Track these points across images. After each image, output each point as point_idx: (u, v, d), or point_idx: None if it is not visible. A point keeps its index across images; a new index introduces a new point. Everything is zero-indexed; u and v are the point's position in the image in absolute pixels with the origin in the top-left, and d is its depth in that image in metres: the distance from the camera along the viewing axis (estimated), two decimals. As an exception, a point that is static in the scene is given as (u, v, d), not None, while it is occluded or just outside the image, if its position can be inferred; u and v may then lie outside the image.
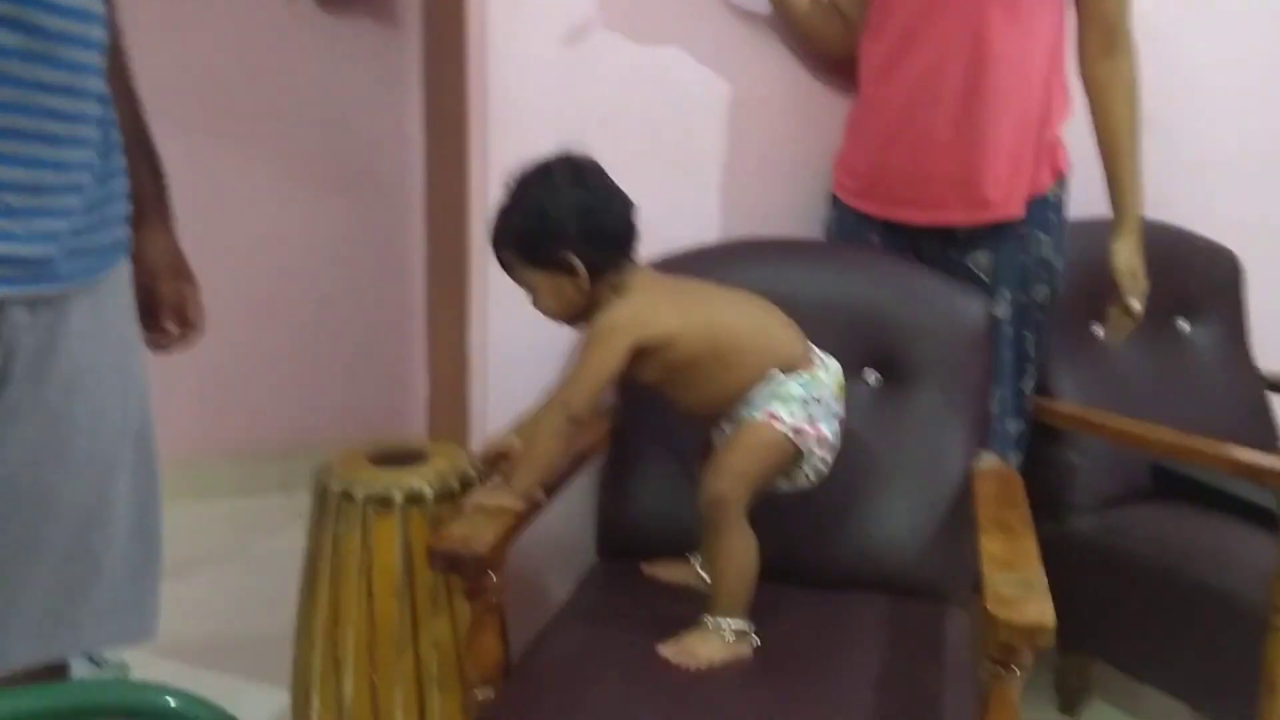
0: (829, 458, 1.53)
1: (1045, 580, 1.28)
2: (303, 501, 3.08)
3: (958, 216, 1.83)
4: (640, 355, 1.48)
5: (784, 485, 1.54)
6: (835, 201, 1.96)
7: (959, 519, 1.66)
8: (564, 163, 1.49)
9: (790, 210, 2.01)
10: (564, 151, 1.52)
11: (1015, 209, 1.82)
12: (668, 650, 1.45)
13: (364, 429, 3.04)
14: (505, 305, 1.87)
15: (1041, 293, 1.88)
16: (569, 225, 1.45)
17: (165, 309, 1.41)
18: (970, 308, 1.75)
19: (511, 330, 1.88)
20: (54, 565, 1.23)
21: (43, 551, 1.21)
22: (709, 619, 1.46)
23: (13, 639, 1.24)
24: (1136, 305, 1.84)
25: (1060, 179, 1.87)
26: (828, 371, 1.54)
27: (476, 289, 1.87)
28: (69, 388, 1.17)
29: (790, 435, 1.48)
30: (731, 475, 1.48)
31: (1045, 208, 1.85)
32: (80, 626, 1.27)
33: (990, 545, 1.39)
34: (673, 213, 1.93)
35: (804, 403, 1.49)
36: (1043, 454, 2.02)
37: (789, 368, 1.51)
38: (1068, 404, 2.04)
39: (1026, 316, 1.88)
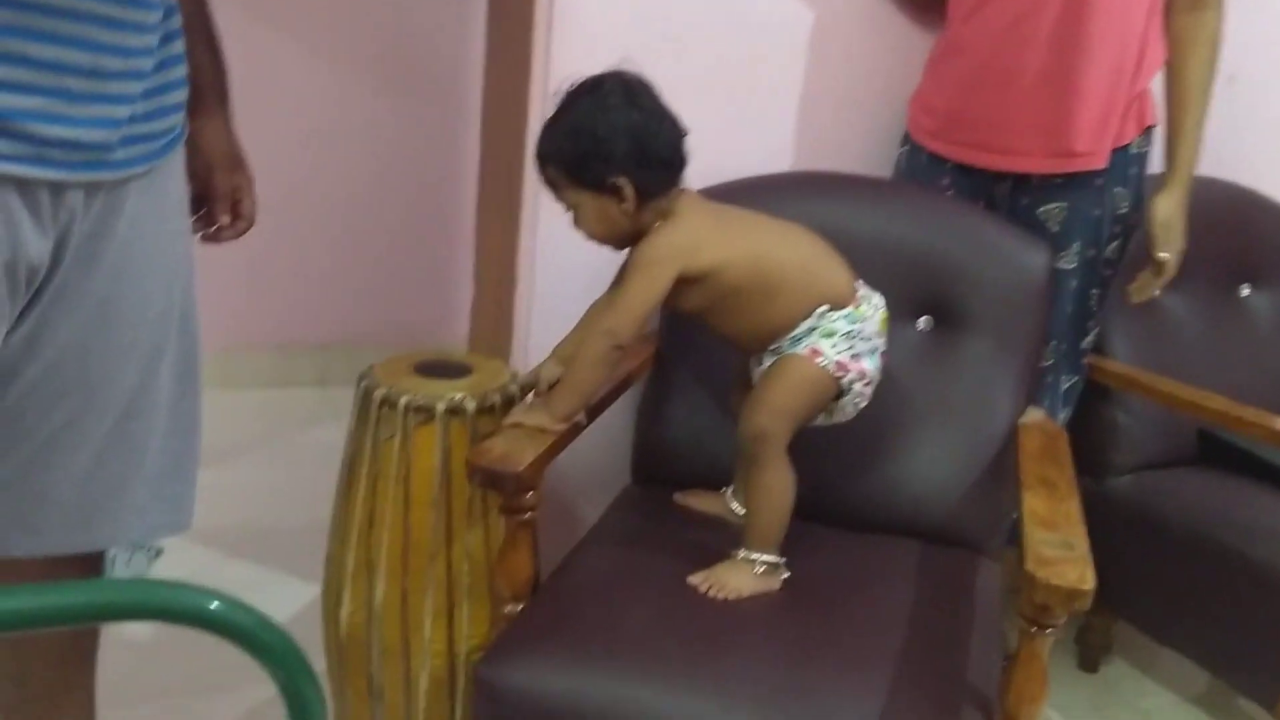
0: (868, 392, 1.51)
1: (1087, 543, 1.27)
2: (338, 396, 3.13)
3: (1039, 165, 1.78)
4: (684, 283, 1.45)
5: (822, 420, 1.53)
6: (908, 140, 1.91)
7: (999, 471, 1.64)
8: (616, 80, 1.45)
9: (861, 146, 1.96)
10: (616, 69, 1.47)
11: (1099, 161, 1.76)
12: (697, 579, 1.45)
13: (404, 331, 3.05)
14: (557, 218, 1.83)
15: (1113, 249, 1.83)
16: (618, 146, 1.41)
17: (219, 200, 1.40)
18: (1033, 259, 1.71)
19: (562, 244, 1.86)
20: (95, 452, 1.24)
21: (85, 437, 1.22)
22: (741, 551, 1.46)
23: (51, 524, 1.25)
24: (1165, 257, 1.79)
25: (1146, 132, 1.81)
26: (872, 305, 1.51)
27: (529, 199, 1.85)
28: (118, 275, 1.17)
29: (832, 371, 1.46)
30: (774, 410, 1.46)
31: (1127, 161, 1.79)
32: (119, 517, 1.29)
33: (1033, 503, 1.38)
34: (736, 140, 1.89)
35: (848, 337, 1.47)
36: (1089, 411, 2.00)
37: (835, 302, 1.48)
38: (1119, 363, 2.01)
39: (1094, 271, 1.84)
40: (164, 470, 1.31)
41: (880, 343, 1.51)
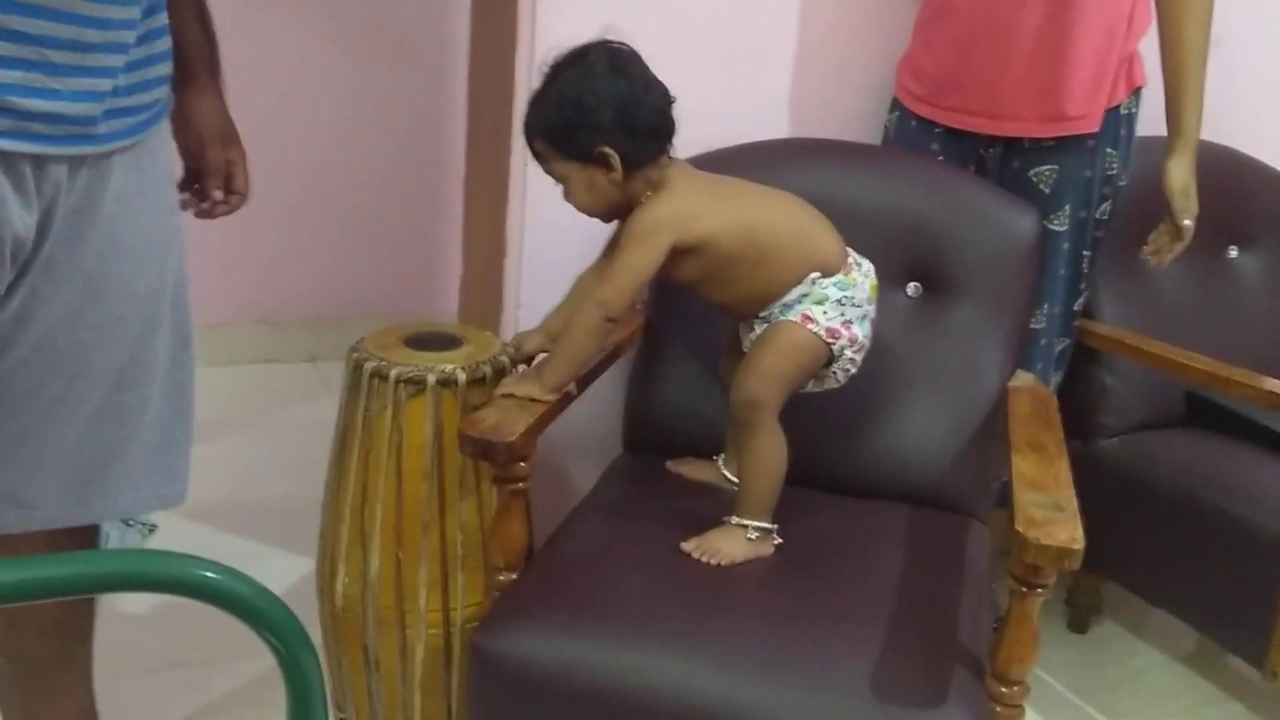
0: (858, 359, 1.52)
1: (1076, 504, 1.28)
2: (329, 371, 3.13)
3: (1032, 129, 1.78)
4: (678, 253, 1.45)
5: (812, 386, 1.53)
6: (896, 105, 1.91)
7: (988, 435, 1.65)
8: (601, 50, 1.44)
9: (850, 112, 1.95)
10: (602, 39, 1.46)
11: (1092, 124, 1.76)
12: (690, 545, 1.46)
13: (394, 305, 3.05)
14: (545, 189, 1.82)
15: (1103, 210, 1.84)
16: (604, 115, 1.40)
17: (212, 175, 1.39)
18: (1021, 223, 1.72)
19: (551, 215, 1.85)
20: (86, 425, 1.24)
21: (76, 410, 1.22)
22: (734, 518, 1.47)
23: (43, 498, 1.26)
24: (1188, 223, 1.80)
25: (1135, 93, 1.81)
26: (862, 272, 1.51)
27: (517, 170, 1.84)
28: (106, 249, 1.17)
29: (823, 337, 1.47)
30: (765, 377, 1.46)
31: (1117, 122, 1.79)
32: (112, 490, 1.29)
33: (1022, 465, 1.39)
34: (724, 108, 1.88)
35: (839, 304, 1.47)
36: (1078, 373, 2.01)
37: (826, 269, 1.48)
38: (1108, 326, 2.02)
39: (1085, 233, 1.84)
40: (157, 443, 1.31)
41: (871, 309, 1.52)
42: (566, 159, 1.44)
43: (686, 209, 1.45)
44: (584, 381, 1.59)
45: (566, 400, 1.52)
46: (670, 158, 1.47)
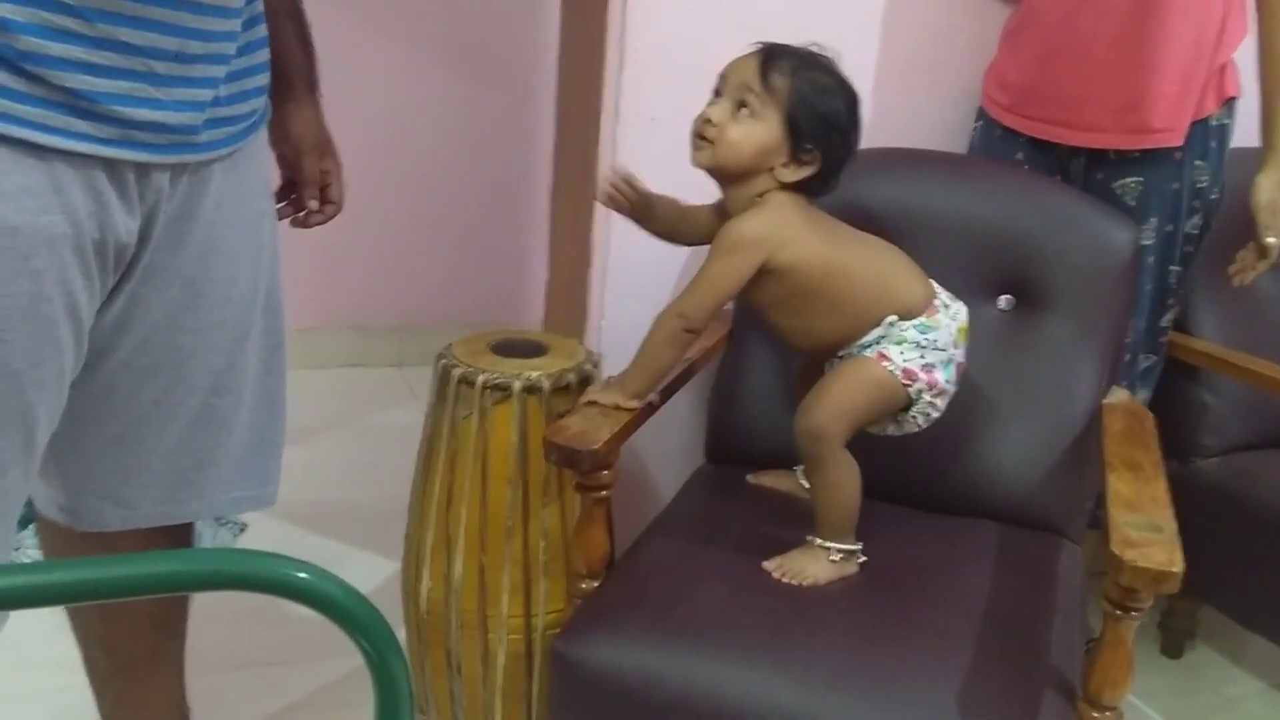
0: (941, 404, 1.47)
1: (1175, 526, 1.24)
2: (414, 376, 3.18)
3: (1114, 141, 1.74)
4: (761, 274, 1.42)
5: (892, 430, 1.49)
6: (982, 115, 1.88)
7: (1081, 453, 1.61)
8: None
9: (935, 122, 1.92)
10: (868, 157, 1.50)
11: (1177, 138, 1.71)
12: (772, 565, 1.44)
13: (479, 313, 3.08)
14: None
15: (1192, 224, 1.78)
16: (842, 145, 1.41)
17: (308, 185, 1.42)
18: (1117, 235, 1.67)
19: (636, 229, 1.86)
20: (183, 428, 1.27)
21: (174, 413, 1.26)
22: (817, 539, 1.45)
23: (142, 498, 1.29)
24: (1272, 240, 1.73)
25: (1228, 104, 1.75)
26: (950, 314, 1.47)
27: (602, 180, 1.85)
28: (205, 255, 1.20)
29: (899, 377, 1.42)
30: (831, 409, 1.42)
31: (1206, 134, 1.74)
32: (206, 491, 1.32)
33: (1118, 484, 1.35)
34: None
35: (918, 346, 1.43)
36: (1174, 391, 1.95)
37: (905, 314, 1.44)
38: (1206, 342, 1.96)
39: (1172, 248, 1.79)
40: (250, 445, 1.34)
41: (957, 354, 1.47)
42: (785, 120, 1.39)
43: (784, 230, 1.42)
44: (667, 391, 1.59)
45: (650, 410, 1.52)
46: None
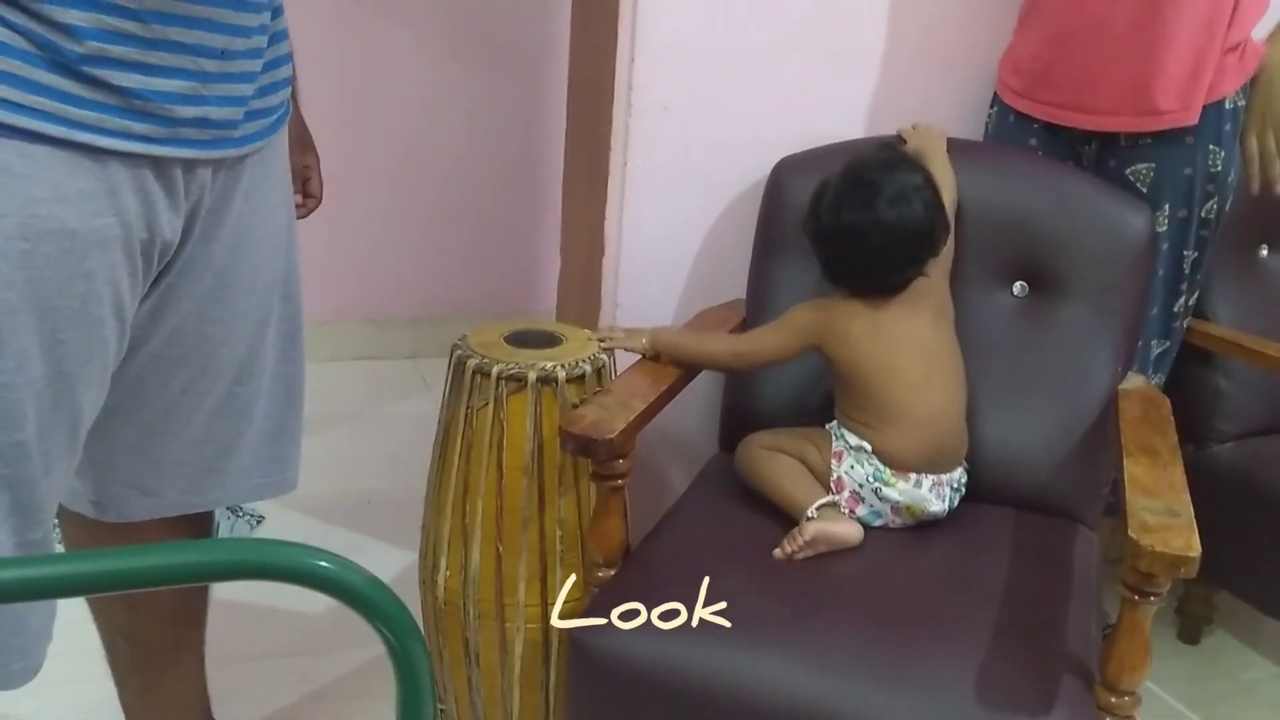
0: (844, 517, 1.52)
1: (1191, 510, 1.24)
2: (428, 368, 3.19)
3: (1125, 124, 1.72)
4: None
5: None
6: (996, 101, 1.87)
7: (1098, 439, 1.61)
8: (898, 188, 1.51)
9: (950, 108, 1.91)
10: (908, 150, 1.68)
11: (1189, 118, 1.70)
12: (781, 551, 1.45)
13: (492, 303, 3.09)
14: (642, 189, 1.85)
15: (1207, 208, 1.77)
16: (817, 246, 1.57)
17: (291, 180, 1.43)
18: (1133, 221, 1.66)
19: (648, 214, 1.86)
20: (208, 416, 1.28)
21: (200, 402, 1.27)
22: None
23: (168, 486, 1.31)
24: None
25: (1245, 86, 1.74)
26: (910, 490, 1.50)
27: (615, 170, 1.85)
28: (234, 247, 1.21)
29: (831, 477, 1.51)
30: (755, 442, 1.59)
31: (1221, 116, 1.72)
32: (229, 478, 1.34)
33: (1135, 470, 1.35)
34: (822, 104, 1.87)
35: (867, 480, 1.50)
36: (1189, 376, 1.94)
37: (883, 456, 1.50)
38: (1222, 327, 1.95)
39: (1187, 233, 1.78)
40: (269, 433, 1.36)
41: (892, 517, 1.52)
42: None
43: (836, 325, 1.54)
44: (681, 381, 1.60)
45: (665, 399, 1.53)
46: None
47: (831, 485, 1.51)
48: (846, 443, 1.52)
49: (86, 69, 1.00)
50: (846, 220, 1.51)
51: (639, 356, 1.63)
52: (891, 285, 1.53)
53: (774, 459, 1.55)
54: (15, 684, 1.15)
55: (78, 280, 1.05)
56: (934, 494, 1.52)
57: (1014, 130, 1.83)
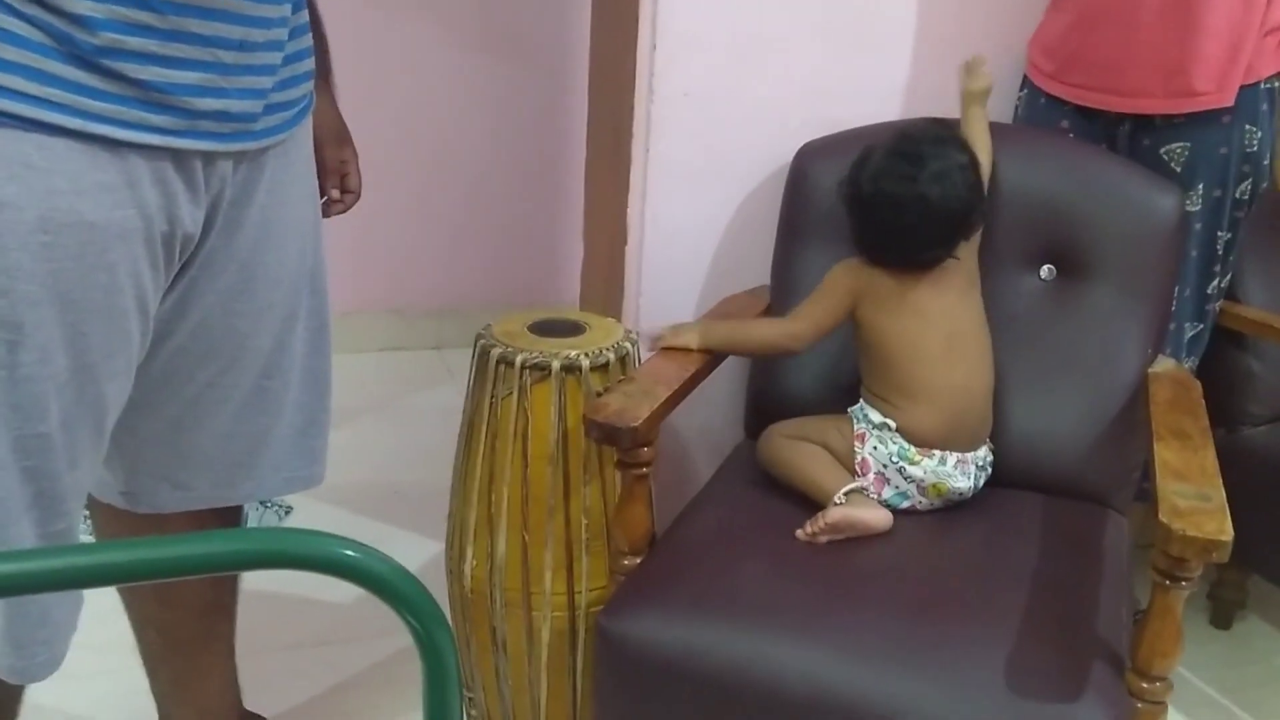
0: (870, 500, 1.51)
1: (1223, 494, 1.22)
2: (453, 359, 3.19)
3: (1160, 105, 1.70)
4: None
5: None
6: (1026, 83, 1.85)
7: (1128, 424, 1.60)
8: (938, 166, 1.51)
9: (938, 87, 1.86)
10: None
11: (1225, 99, 1.67)
12: (804, 530, 1.45)
13: (516, 294, 3.09)
14: (665, 176, 1.84)
15: (1242, 189, 1.75)
16: (853, 219, 1.55)
17: (328, 175, 1.44)
18: (1162, 203, 1.64)
19: (670, 204, 1.86)
20: (236, 410, 1.29)
21: (228, 395, 1.27)
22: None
23: (197, 480, 1.31)
24: None
25: None
26: (935, 467, 1.50)
27: (637, 158, 1.84)
28: (258, 240, 1.21)
29: (856, 460, 1.51)
30: (777, 432, 1.58)
31: (1257, 96, 1.70)
32: (258, 472, 1.34)
33: (1165, 454, 1.33)
34: (844, 89, 1.85)
35: (891, 460, 1.50)
36: (1222, 359, 1.92)
37: (907, 434, 1.50)
38: (1254, 309, 1.92)
39: (1221, 214, 1.75)
40: (298, 426, 1.36)
41: (919, 498, 1.52)
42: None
43: (873, 288, 1.53)
44: (706, 368, 1.59)
45: (690, 386, 1.53)
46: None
47: (856, 468, 1.50)
48: (870, 422, 1.52)
49: (103, 61, 1.00)
50: (887, 189, 1.49)
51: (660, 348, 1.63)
52: (920, 263, 1.52)
53: (797, 447, 1.54)
54: (40, 676, 1.16)
55: (99, 272, 1.05)
56: (959, 471, 1.51)
57: (1045, 112, 1.81)
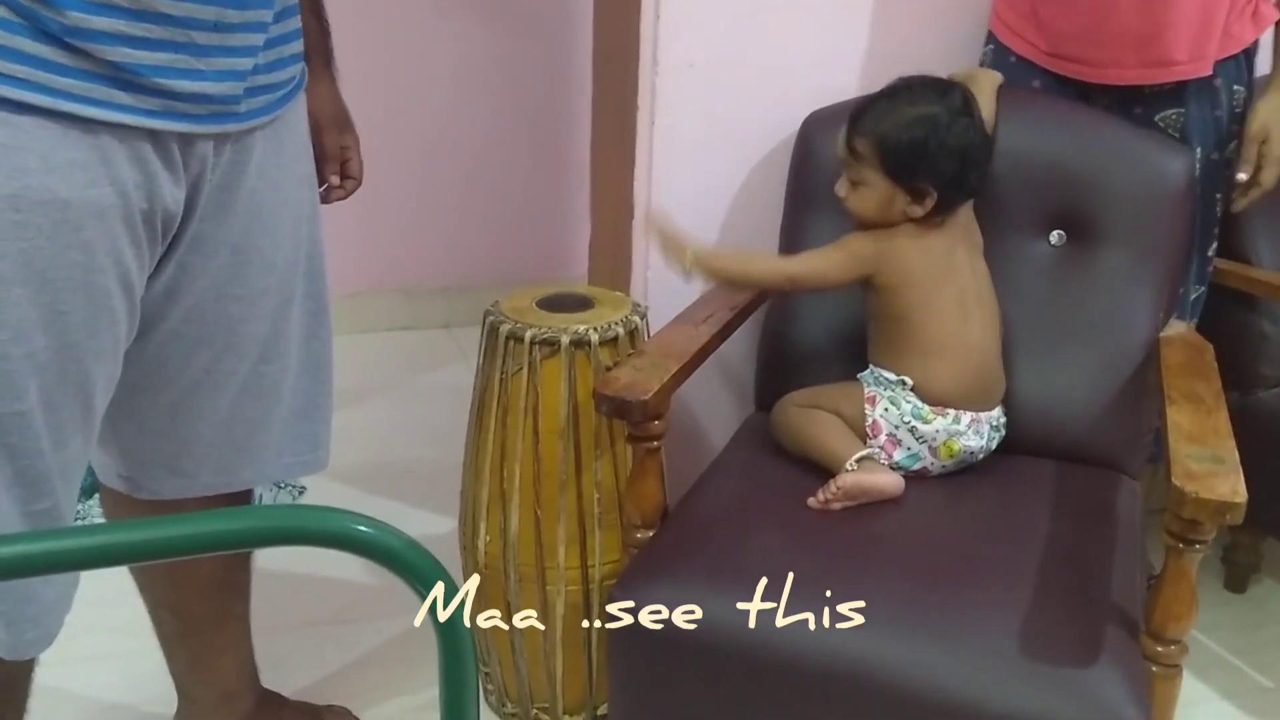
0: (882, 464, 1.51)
1: (1236, 456, 1.22)
2: (462, 337, 3.20)
3: (1135, 76, 1.67)
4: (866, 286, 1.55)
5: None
6: (992, 39, 1.80)
7: (1140, 388, 1.59)
8: (962, 94, 1.51)
9: (937, 47, 1.84)
10: (957, 80, 1.55)
11: (1203, 68, 1.65)
12: (816, 498, 1.45)
13: (524, 271, 3.08)
14: (671, 150, 1.83)
15: (1232, 149, 1.72)
16: (950, 163, 1.47)
17: (328, 161, 1.43)
18: (1171, 164, 1.62)
19: (678, 176, 1.85)
20: (234, 396, 1.29)
21: (225, 382, 1.27)
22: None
23: (198, 468, 1.32)
24: (1242, 177, 1.65)
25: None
26: (948, 425, 1.50)
27: (643, 133, 1.84)
28: (249, 223, 1.21)
29: (867, 423, 1.50)
30: (789, 402, 1.57)
31: (1241, 58, 1.68)
32: (260, 458, 1.34)
33: (1178, 417, 1.33)
34: (849, 57, 1.84)
35: (902, 421, 1.49)
36: (1233, 321, 1.91)
37: (921, 392, 1.50)
38: (1266, 270, 1.91)
39: (1217, 175, 1.74)
40: (298, 411, 1.36)
41: (930, 459, 1.51)
42: (884, 173, 1.49)
43: (899, 257, 1.51)
44: (716, 340, 1.59)
45: (700, 359, 1.52)
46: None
47: (867, 431, 1.50)
48: (885, 382, 1.52)
49: (71, 40, 0.99)
50: (967, 113, 1.50)
51: (672, 316, 1.62)
52: (966, 193, 1.53)
53: (810, 415, 1.54)
54: (28, 653, 1.16)
55: (74, 251, 1.04)
56: (971, 430, 1.51)
57: (1016, 71, 1.74)
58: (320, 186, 1.43)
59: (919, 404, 1.50)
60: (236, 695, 1.57)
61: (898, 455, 1.51)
